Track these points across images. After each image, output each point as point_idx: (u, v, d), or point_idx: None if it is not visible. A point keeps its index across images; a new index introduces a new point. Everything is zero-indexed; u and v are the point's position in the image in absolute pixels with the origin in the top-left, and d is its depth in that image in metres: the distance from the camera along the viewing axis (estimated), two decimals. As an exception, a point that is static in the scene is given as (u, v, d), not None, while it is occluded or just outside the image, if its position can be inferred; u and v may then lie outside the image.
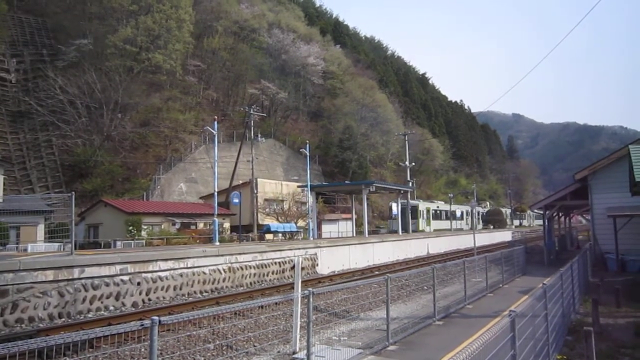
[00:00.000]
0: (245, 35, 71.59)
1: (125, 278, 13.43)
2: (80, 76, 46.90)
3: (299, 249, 21.43)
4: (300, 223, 39.79)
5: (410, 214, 42.74)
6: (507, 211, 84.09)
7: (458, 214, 62.72)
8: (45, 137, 46.68)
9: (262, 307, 11.60)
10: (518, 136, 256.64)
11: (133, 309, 13.00)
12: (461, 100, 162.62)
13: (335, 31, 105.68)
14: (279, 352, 8.87)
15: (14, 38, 52.18)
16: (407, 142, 53.82)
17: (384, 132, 71.79)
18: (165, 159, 49.16)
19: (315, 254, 22.29)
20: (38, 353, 7.74)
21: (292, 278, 16.60)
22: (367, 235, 34.72)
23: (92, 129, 47.29)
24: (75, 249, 14.68)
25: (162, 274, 14.54)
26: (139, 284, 13.70)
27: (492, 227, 70.42)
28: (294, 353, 8.56)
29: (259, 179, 42.92)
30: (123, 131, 48.11)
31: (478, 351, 3.72)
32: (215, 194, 26.10)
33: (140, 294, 13.69)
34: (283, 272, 19.78)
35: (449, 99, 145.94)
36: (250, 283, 17.83)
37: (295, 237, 35.48)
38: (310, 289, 7.49)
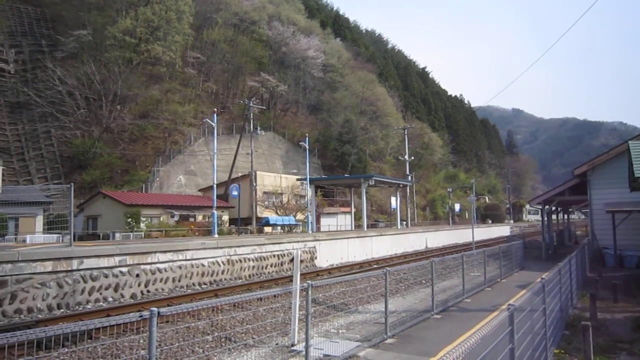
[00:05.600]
0: (245, 28, 71.25)
1: (124, 270, 13.45)
2: (79, 67, 46.73)
3: (298, 242, 21.47)
4: (299, 216, 39.80)
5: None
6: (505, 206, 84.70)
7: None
8: (44, 128, 46.55)
9: (260, 299, 11.62)
10: (517, 131, 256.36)
11: (132, 300, 13.03)
12: (461, 95, 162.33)
13: (336, 24, 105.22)
14: (277, 344, 8.89)
15: (12, 28, 51.88)
16: (406, 136, 53.78)
17: (383, 126, 71.67)
18: (164, 151, 49.08)
19: (314, 247, 22.32)
20: (37, 343, 7.76)
21: (291, 271, 16.62)
22: (365, 229, 34.77)
23: (91, 120, 47.17)
24: (74, 240, 14.68)
25: (161, 266, 14.55)
26: (137, 275, 13.71)
27: (490, 221, 70.68)
28: (292, 345, 8.57)
29: (258, 172, 42.88)
30: (122, 123, 47.98)
31: (477, 344, 3.72)
32: (214, 186, 26.07)
33: (139, 285, 13.71)
34: (282, 264, 19.81)
35: (449, 93, 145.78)
36: (249, 275, 17.86)
37: (294, 230, 35.52)
38: (309, 281, 7.48)
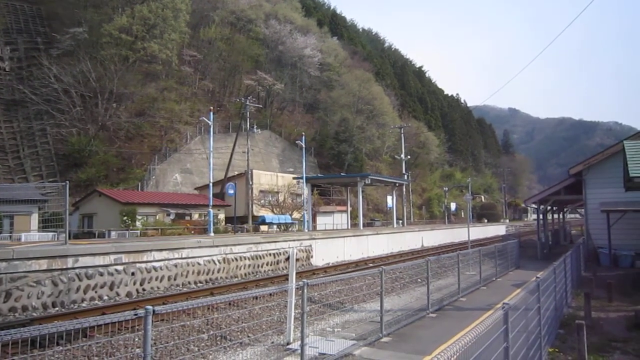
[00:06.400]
0: (242, 26, 71.16)
1: (120, 268, 13.41)
2: (75, 65, 46.55)
3: (294, 240, 21.45)
4: (295, 215, 39.79)
5: None
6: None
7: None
8: (39, 126, 46.35)
9: (256, 297, 11.62)
10: (513, 131, 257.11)
11: (127, 298, 13.00)
12: (457, 94, 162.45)
13: (332, 23, 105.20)
14: (272, 342, 8.89)
15: (8, 26, 51.62)
16: (402, 135, 53.82)
17: (379, 125, 71.73)
18: (160, 150, 48.96)
19: (310, 245, 22.32)
20: (31, 342, 7.72)
21: (287, 269, 16.64)
22: (362, 228, 34.78)
23: (86, 118, 46.99)
24: (69, 238, 14.62)
25: (157, 264, 14.52)
26: (133, 274, 13.68)
27: (486, 220, 70.89)
28: (288, 344, 8.58)
29: (254, 171, 42.85)
30: (118, 121, 47.83)
31: (471, 343, 3.73)
32: (210, 184, 26.04)
33: (134, 284, 13.68)
34: (277, 263, 19.80)
35: (446, 93, 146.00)
36: (245, 274, 17.84)
37: (290, 229, 35.49)
38: (304, 280, 7.48)
